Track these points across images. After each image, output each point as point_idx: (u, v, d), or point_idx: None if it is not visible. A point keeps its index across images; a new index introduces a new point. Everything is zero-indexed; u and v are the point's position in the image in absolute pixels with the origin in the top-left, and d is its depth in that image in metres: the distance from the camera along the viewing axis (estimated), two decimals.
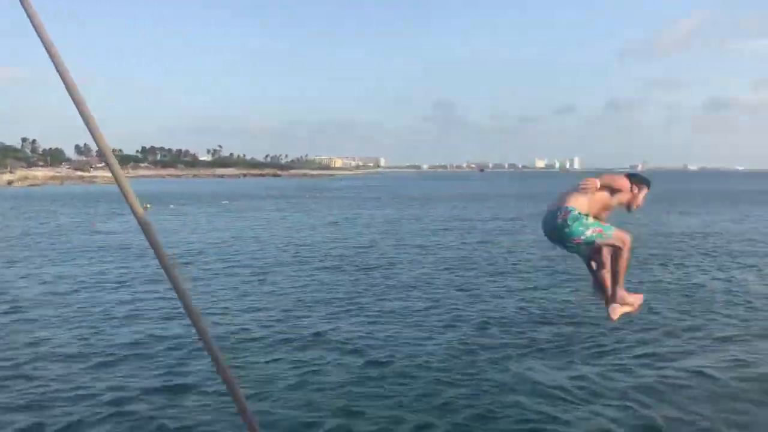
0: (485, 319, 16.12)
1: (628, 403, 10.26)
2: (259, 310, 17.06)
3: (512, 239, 34.08)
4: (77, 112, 2.11)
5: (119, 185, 2.07)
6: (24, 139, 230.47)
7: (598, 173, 6.19)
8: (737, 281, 21.30)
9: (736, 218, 48.07)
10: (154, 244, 2.05)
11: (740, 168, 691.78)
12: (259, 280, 21.76)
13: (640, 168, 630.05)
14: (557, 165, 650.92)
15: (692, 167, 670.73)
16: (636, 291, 6.47)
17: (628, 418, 9.77)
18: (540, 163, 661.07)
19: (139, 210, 2.08)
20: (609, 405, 10.26)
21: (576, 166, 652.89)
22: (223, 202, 71.11)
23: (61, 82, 2.08)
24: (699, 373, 11.55)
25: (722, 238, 34.38)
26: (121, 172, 2.11)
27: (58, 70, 2.04)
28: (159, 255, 2.08)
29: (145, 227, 2.04)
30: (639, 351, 13.07)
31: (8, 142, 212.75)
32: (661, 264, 25.02)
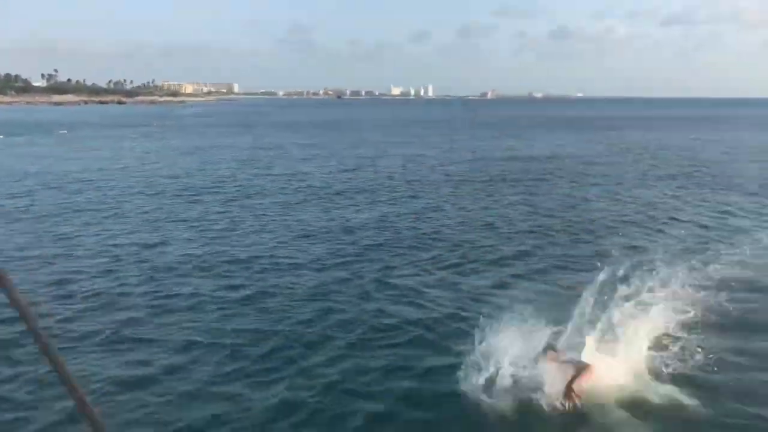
0: (357, 242, 15.93)
1: (482, 307, 10.49)
2: (114, 246, 15.71)
3: (374, 164, 34.00)
4: None
5: None
6: None
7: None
8: (582, 198, 22.61)
9: (577, 141, 51.14)
10: None
11: (579, 95, 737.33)
12: (110, 215, 20.10)
13: (489, 96, 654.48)
14: (412, 92, 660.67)
15: (537, 95, 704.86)
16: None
17: (473, 315, 9.98)
18: (396, 91, 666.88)
19: None
20: (468, 309, 10.41)
21: (430, 93, 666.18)
22: (62, 131, 64.92)
23: None
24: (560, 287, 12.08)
25: (567, 161, 36.41)
26: None
27: None
28: None
29: None
30: (490, 270, 13.37)
31: None
32: (512, 185, 26.09)
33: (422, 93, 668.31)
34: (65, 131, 65.15)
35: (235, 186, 26.42)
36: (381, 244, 16.01)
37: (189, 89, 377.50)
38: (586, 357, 7.96)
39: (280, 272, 13.54)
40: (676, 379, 8.10)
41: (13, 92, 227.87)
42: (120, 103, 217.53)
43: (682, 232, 17.20)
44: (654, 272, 11.56)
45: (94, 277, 13.12)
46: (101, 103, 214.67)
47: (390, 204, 22.26)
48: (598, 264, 13.55)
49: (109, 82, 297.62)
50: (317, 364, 8.89)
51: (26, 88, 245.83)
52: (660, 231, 17.30)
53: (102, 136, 58.31)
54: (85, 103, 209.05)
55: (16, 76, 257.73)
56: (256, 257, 14.79)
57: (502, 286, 12.41)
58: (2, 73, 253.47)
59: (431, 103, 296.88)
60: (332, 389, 8.19)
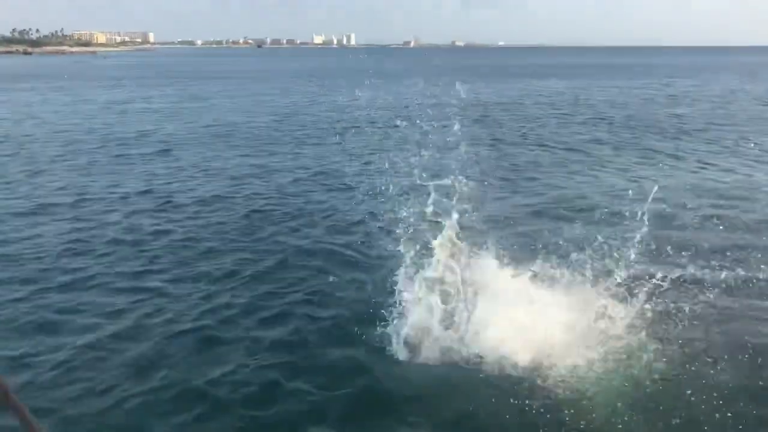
0: (299, 189, 15.77)
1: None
2: (37, 199, 14.96)
3: (302, 113, 33.51)
4: None
5: None
6: None
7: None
8: (511, 143, 23.07)
9: (502, 90, 51.93)
10: None
11: (501, 43, 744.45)
12: (31, 170, 19.08)
13: (412, 44, 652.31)
14: (335, 41, 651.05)
15: (460, 43, 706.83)
16: None
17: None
18: (318, 39, 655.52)
19: None
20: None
21: (353, 42, 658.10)
22: None
23: None
24: None
25: (492, 107, 36.96)
26: None
27: None
28: None
29: None
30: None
31: None
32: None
33: (345, 42, 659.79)
34: None
35: (163, 138, 25.51)
36: (325, 192, 15.92)
37: (101, 39, 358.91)
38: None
39: (221, 221, 13.34)
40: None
41: None
42: (26, 53, 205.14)
43: (612, 176, 17.83)
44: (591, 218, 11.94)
45: (23, 236, 12.53)
46: (7, 53, 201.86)
47: (324, 152, 22.06)
48: (539, 209, 13.98)
49: (13, 30, 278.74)
50: (262, 323, 8.80)
51: None
52: (592, 175, 17.85)
53: (8, 89, 54.79)
54: None
55: None
56: (196, 207, 14.48)
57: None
58: None
59: (355, 52, 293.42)
60: (277, 351, 8.01)
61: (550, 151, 22.33)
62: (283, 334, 8.40)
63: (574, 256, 8.69)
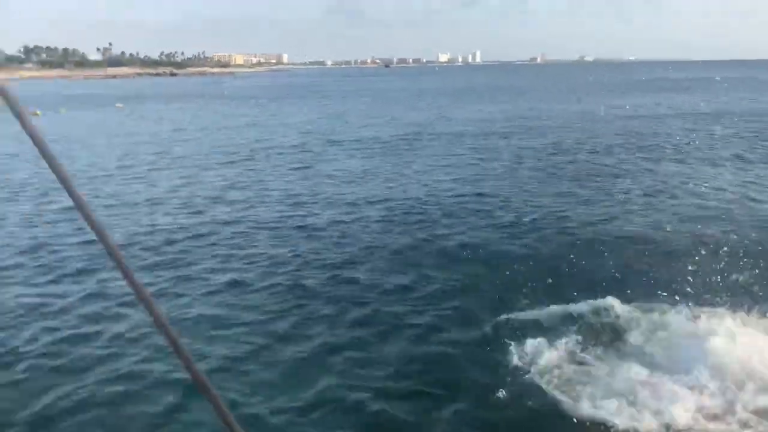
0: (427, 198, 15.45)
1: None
2: (198, 208, 15.58)
3: (430, 128, 33.33)
4: None
5: None
6: None
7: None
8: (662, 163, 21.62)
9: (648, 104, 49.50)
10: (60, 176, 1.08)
11: (632, 58, 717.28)
12: (190, 182, 20.09)
13: (539, 60, 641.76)
14: (460, 59, 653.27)
15: (588, 58, 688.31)
16: None
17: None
18: (443, 57, 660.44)
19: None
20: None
21: (478, 59, 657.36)
22: (118, 105, 64.33)
23: None
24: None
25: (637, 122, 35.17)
26: None
27: None
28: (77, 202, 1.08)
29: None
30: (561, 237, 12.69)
31: None
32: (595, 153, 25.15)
33: (470, 59, 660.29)
34: (121, 105, 64.51)
35: (310, 154, 26.20)
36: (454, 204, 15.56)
37: (239, 60, 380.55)
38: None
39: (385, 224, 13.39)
40: None
41: (70, 66, 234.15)
42: (172, 74, 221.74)
43: None
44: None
45: (185, 234, 13.09)
46: (155, 75, 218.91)
47: (458, 165, 21.69)
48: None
49: (161, 54, 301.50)
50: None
51: (82, 61, 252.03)
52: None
53: (159, 109, 58.40)
54: (139, 75, 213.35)
55: (74, 50, 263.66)
56: (353, 209, 14.71)
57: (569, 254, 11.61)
58: (60, 48, 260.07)
59: (481, 69, 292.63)
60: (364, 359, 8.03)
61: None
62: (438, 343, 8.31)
63: None
